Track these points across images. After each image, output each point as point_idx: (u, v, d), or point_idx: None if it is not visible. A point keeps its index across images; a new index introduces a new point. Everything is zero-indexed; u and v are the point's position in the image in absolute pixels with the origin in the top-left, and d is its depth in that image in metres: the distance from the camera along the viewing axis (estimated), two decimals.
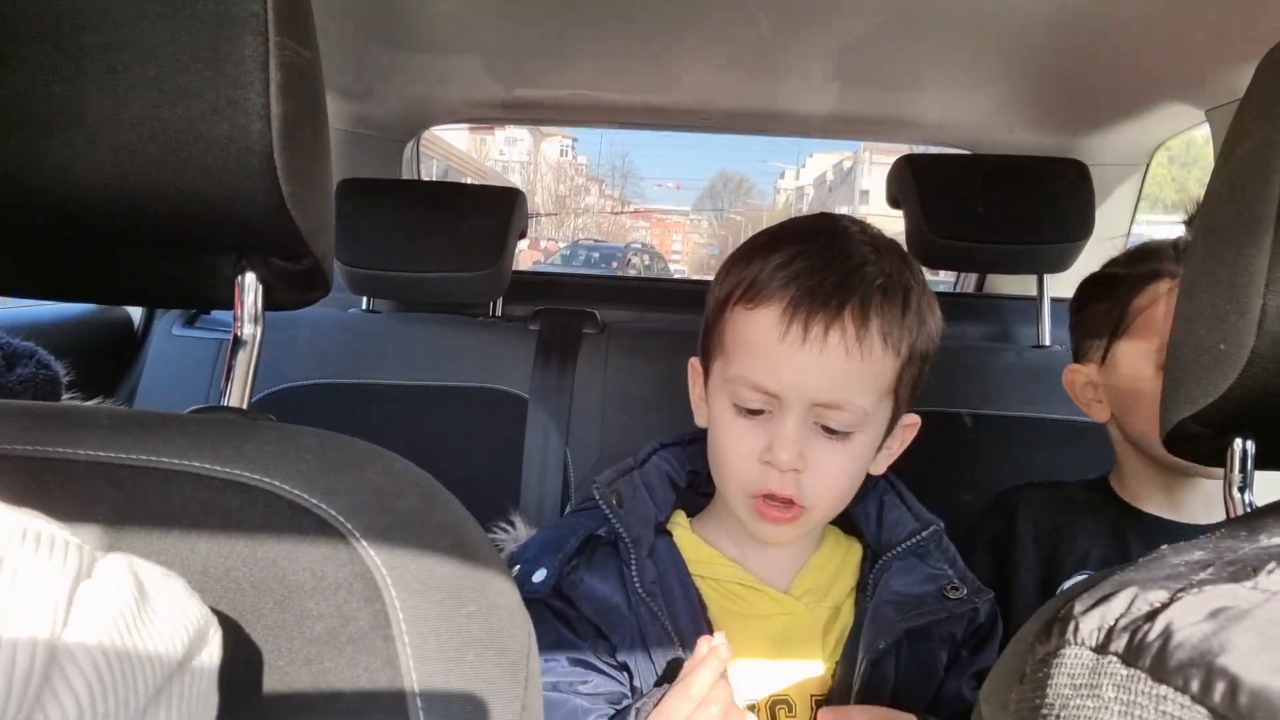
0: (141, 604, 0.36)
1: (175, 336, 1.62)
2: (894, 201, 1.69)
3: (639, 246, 21.91)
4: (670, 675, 0.83)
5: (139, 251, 0.55)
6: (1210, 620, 0.35)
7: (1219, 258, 0.51)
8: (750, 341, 0.83)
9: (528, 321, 1.64)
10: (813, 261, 0.82)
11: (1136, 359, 1.06)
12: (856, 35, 1.34)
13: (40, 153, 0.46)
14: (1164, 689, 0.34)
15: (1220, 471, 0.55)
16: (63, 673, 0.32)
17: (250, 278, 0.56)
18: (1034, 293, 1.68)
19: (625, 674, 0.86)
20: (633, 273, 15.80)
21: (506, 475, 1.48)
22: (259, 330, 0.57)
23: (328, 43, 0.53)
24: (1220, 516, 1.13)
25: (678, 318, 1.87)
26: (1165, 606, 0.36)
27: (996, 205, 1.53)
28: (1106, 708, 0.36)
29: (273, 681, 0.43)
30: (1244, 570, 0.37)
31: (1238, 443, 0.54)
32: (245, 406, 0.58)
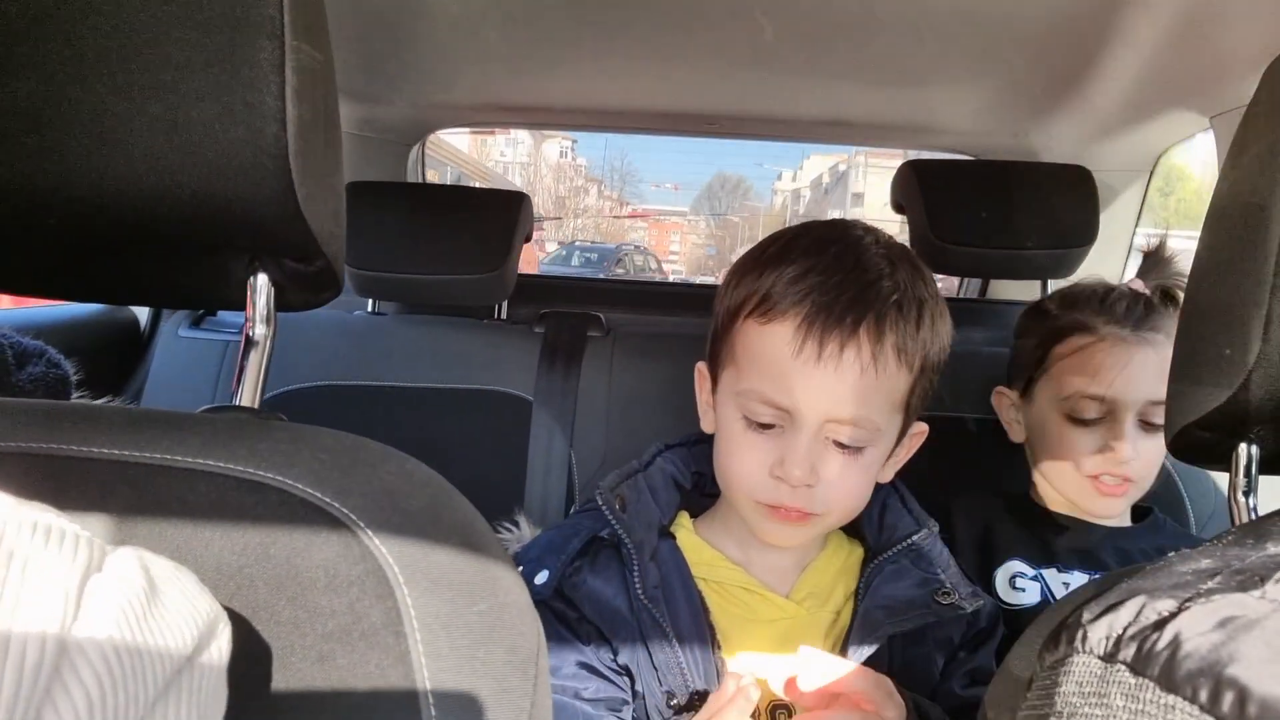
0: (151, 598, 0.36)
1: (182, 338, 1.63)
2: (898, 207, 1.69)
3: (630, 247, 22.14)
4: (671, 681, 0.83)
5: (152, 253, 0.56)
6: (1219, 630, 0.35)
7: (1225, 262, 0.51)
8: (763, 357, 0.82)
9: (533, 324, 1.65)
10: (827, 276, 0.81)
11: (1047, 403, 1.15)
12: (862, 41, 1.34)
13: (55, 155, 0.47)
14: (1172, 698, 0.34)
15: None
16: (73, 666, 0.32)
17: (262, 279, 0.56)
18: (1037, 298, 1.68)
19: (626, 678, 0.86)
20: (620, 272, 15.97)
21: (511, 477, 1.49)
22: (270, 331, 0.58)
23: (335, 46, 0.53)
24: (1124, 520, 1.17)
25: (682, 321, 1.87)
26: (1174, 615, 0.36)
27: (1000, 211, 1.53)
28: (1115, 716, 0.36)
29: (284, 677, 0.43)
30: (1252, 579, 0.37)
31: (1243, 447, 0.54)
32: (257, 406, 0.58)
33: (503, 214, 1.61)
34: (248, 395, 0.58)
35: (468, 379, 1.54)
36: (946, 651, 0.90)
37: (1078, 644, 0.39)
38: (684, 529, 0.94)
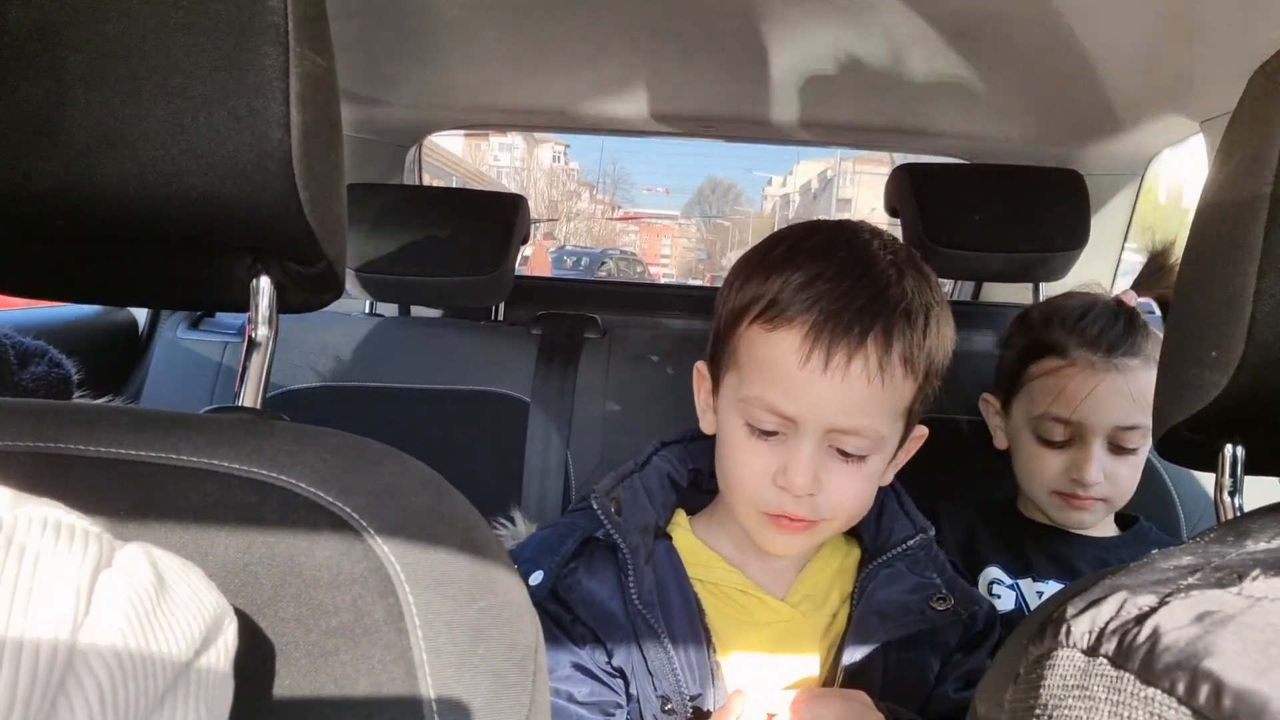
0: (160, 593, 0.37)
1: (180, 339, 1.63)
2: (891, 210, 1.70)
3: (615, 252, 22.43)
4: (666, 685, 0.83)
5: (156, 254, 0.56)
6: (1196, 624, 0.36)
7: (1211, 266, 0.52)
8: (769, 364, 0.81)
9: (530, 325, 1.65)
10: (835, 283, 0.80)
11: (1020, 419, 1.17)
12: (857, 47, 1.35)
13: (63, 158, 0.48)
14: (1151, 690, 0.36)
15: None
16: (85, 660, 0.33)
17: (265, 281, 0.57)
18: (1029, 301, 1.69)
19: (620, 680, 0.85)
20: (603, 274, 16.24)
21: (508, 478, 1.49)
22: (273, 332, 0.58)
23: (334, 49, 0.54)
24: (1107, 530, 1.16)
25: (679, 323, 1.88)
26: (1154, 610, 0.38)
27: (993, 214, 1.54)
28: (1097, 708, 0.37)
29: (288, 672, 0.44)
30: (1230, 576, 0.39)
31: (1228, 448, 0.55)
32: (259, 407, 0.59)
33: (500, 216, 1.62)
34: (250, 396, 0.58)
35: (465, 380, 1.54)
36: (942, 654, 0.89)
37: (1062, 638, 0.40)
38: (680, 528, 0.93)
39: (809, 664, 0.88)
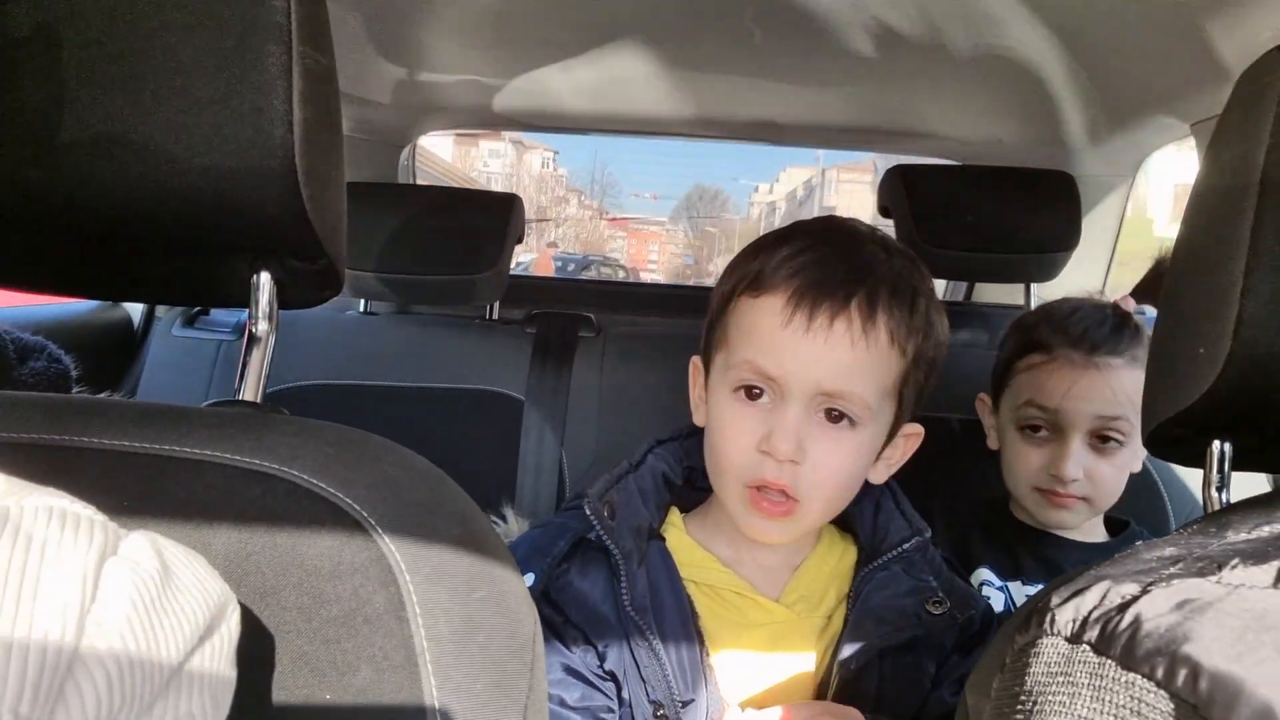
0: (165, 581, 0.37)
1: (175, 336, 1.63)
2: (884, 211, 1.71)
3: (598, 258, 22.68)
4: (658, 692, 0.82)
5: (157, 250, 0.57)
6: (1176, 612, 0.37)
7: (1199, 264, 0.53)
8: (754, 328, 0.82)
9: (524, 324, 1.66)
10: (821, 254, 0.81)
11: (1006, 414, 1.19)
12: (851, 48, 1.36)
13: (68, 156, 0.48)
14: (1132, 675, 0.37)
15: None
16: (91, 646, 0.33)
17: (265, 277, 0.57)
18: (1021, 301, 1.70)
19: (612, 683, 0.84)
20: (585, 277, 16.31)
21: (502, 477, 1.50)
22: (273, 328, 0.59)
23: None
24: (1097, 536, 1.18)
25: (674, 321, 1.89)
26: (1136, 599, 0.39)
27: (986, 215, 1.55)
28: (1079, 694, 0.38)
29: (291, 659, 0.44)
30: (1210, 565, 0.40)
31: (1216, 444, 0.56)
32: (259, 401, 0.59)
33: (495, 215, 1.62)
34: (250, 390, 0.59)
35: (459, 379, 1.55)
36: (939, 658, 0.88)
37: (1046, 627, 0.41)
38: (674, 528, 0.92)
39: (804, 665, 0.87)
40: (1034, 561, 1.16)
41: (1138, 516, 1.22)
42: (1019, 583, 1.15)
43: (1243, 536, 0.43)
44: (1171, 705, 0.35)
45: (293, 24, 0.48)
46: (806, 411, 0.81)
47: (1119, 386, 1.08)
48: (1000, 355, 1.23)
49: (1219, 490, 0.57)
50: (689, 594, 0.87)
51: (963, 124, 1.77)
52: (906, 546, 0.89)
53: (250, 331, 0.58)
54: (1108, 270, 1.89)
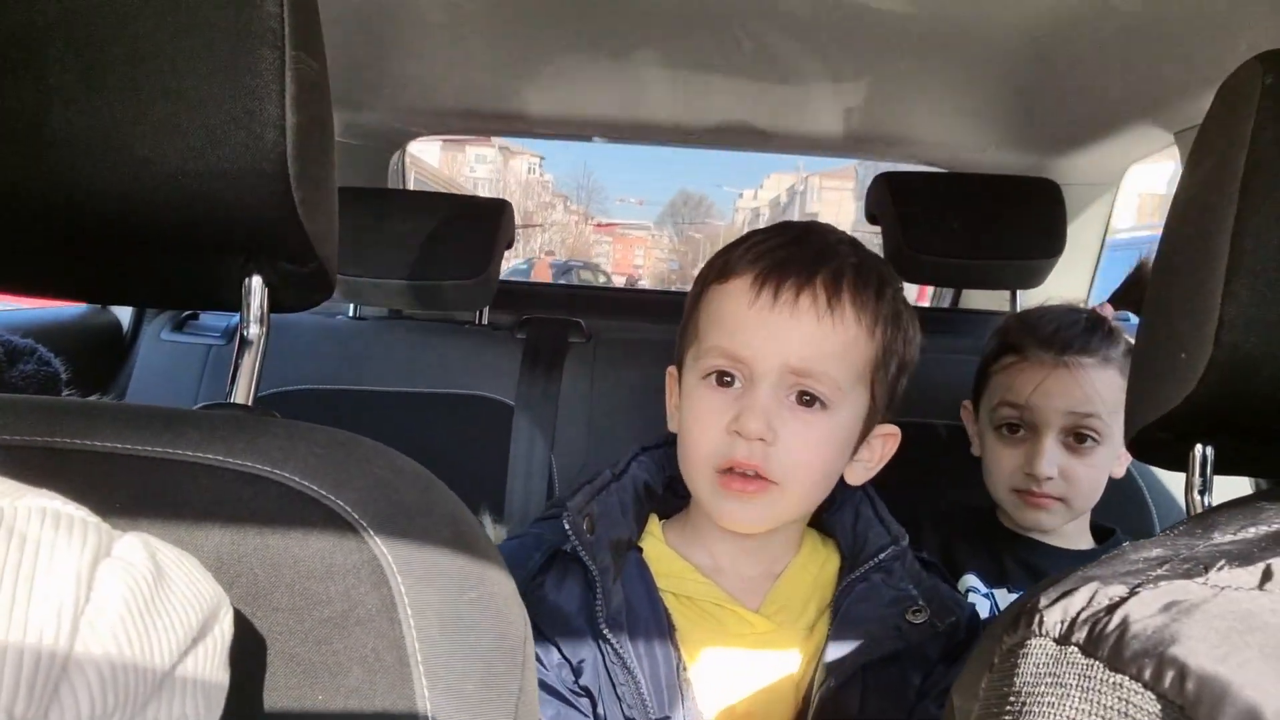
0: (158, 582, 0.37)
1: (164, 340, 1.63)
2: (871, 218, 1.72)
3: (579, 264, 22.84)
4: (634, 711, 0.81)
5: (148, 253, 0.57)
6: (1163, 613, 0.37)
7: (1181, 270, 0.54)
8: (721, 313, 0.83)
9: (514, 330, 1.66)
10: (787, 239, 0.84)
11: (985, 416, 1.21)
12: (837, 56, 1.37)
13: (61, 158, 0.48)
14: (1120, 677, 0.37)
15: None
16: (85, 647, 0.34)
17: (257, 280, 0.57)
18: (1007, 308, 1.71)
19: (587, 700, 0.83)
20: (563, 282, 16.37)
21: (491, 482, 1.50)
22: (264, 331, 0.59)
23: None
24: (1083, 543, 1.19)
25: (664, 327, 1.89)
26: (1124, 600, 0.39)
27: (972, 222, 1.56)
28: (1068, 695, 0.39)
29: (283, 660, 0.45)
30: (1197, 567, 0.40)
31: (1198, 448, 0.57)
32: (251, 405, 0.59)
33: (485, 221, 1.62)
34: (242, 393, 0.59)
35: (449, 384, 1.55)
36: (923, 669, 0.86)
37: (1035, 628, 0.42)
38: (652, 537, 0.91)
39: (785, 678, 0.86)
40: (1019, 568, 1.17)
41: (1123, 522, 1.23)
42: (1004, 589, 1.16)
43: (1229, 538, 0.44)
44: (1159, 706, 0.35)
45: (286, 28, 0.49)
46: (776, 392, 0.81)
47: (1090, 385, 1.10)
48: (980, 361, 1.25)
49: (1201, 494, 0.57)
50: (666, 606, 0.85)
51: (949, 132, 1.78)
52: (883, 556, 0.88)
53: (242, 335, 0.59)
54: (1093, 277, 1.90)
